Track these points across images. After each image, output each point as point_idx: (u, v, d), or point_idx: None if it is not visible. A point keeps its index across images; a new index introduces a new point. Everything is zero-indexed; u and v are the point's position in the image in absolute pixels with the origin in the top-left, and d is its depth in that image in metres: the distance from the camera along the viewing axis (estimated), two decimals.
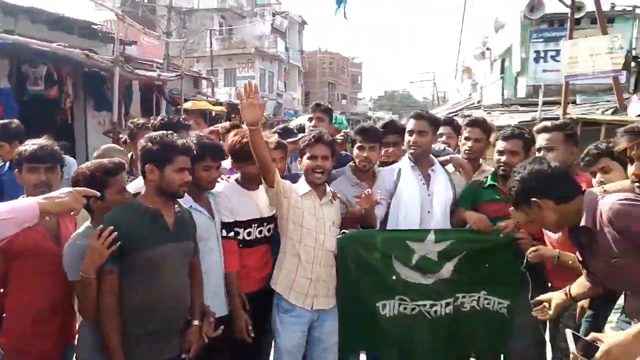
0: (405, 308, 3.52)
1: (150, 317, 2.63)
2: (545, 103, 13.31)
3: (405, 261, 3.48)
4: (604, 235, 2.28)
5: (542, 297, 2.89)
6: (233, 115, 18.63)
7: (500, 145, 3.60)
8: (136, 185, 3.08)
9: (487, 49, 23.99)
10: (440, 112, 17.47)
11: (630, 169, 2.40)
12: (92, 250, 2.49)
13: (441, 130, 4.26)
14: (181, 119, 4.28)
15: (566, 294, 2.78)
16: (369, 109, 67.71)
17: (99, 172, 2.69)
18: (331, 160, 3.40)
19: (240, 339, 3.20)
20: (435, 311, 3.52)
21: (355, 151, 3.72)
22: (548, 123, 3.54)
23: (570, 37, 12.36)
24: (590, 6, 13.58)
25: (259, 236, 3.38)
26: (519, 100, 17.28)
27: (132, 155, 4.26)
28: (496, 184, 3.63)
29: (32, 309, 2.70)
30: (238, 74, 36.78)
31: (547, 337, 3.51)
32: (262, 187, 3.31)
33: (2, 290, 2.71)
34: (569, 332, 2.20)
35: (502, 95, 18.36)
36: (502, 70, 20.54)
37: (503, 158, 3.56)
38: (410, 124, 3.71)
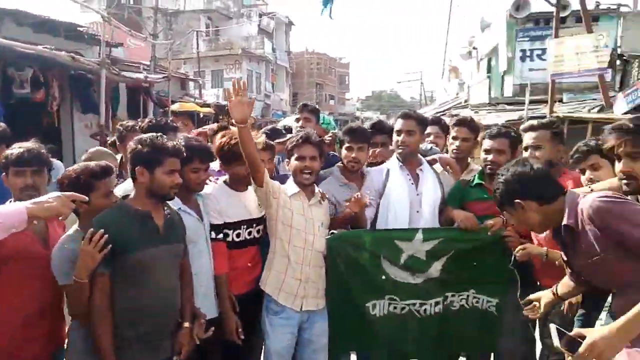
0: (395, 307, 3.53)
1: (141, 319, 2.62)
2: (531, 102, 13.40)
3: (394, 261, 3.50)
4: (585, 234, 2.31)
5: (532, 296, 2.92)
6: (221, 117, 18.56)
7: (487, 144, 3.62)
8: (125, 187, 3.08)
9: (474, 48, 24.18)
10: (427, 112, 17.53)
11: (618, 166, 2.42)
12: (84, 254, 2.48)
13: (429, 129, 4.26)
14: (169, 121, 4.28)
15: (554, 293, 2.81)
16: (356, 109, 67.88)
17: (84, 175, 2.67)
18: (319, 161, 3.40)
19: (231, 341, 3.20)
20: (425, 310, 3.54)
21: (344, 152, 3.72)
22: (535, 122, 3.58)
23: (556, 36, 12.45)
24: (575, 5, 13.74)
25: (248, 237, 3.37)
26: (505, 99, 17.40)
27: (121, 157, 4.24)
28: (483, 182, 3.64)
29: (21, 313, 2.68)
30: (225, 75, 36.54)
31: (537, 335, 3.53)
32: (250, 188, 3.32)
33: None
34: (553, 327, 2.22)
35: (489, 94, 18.52)
36: (489, 70, 20.70)
37: (490, 157, 3.58)
38: (398, 124, 3.72)
